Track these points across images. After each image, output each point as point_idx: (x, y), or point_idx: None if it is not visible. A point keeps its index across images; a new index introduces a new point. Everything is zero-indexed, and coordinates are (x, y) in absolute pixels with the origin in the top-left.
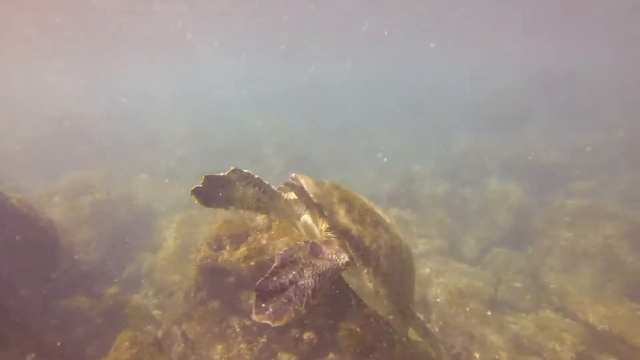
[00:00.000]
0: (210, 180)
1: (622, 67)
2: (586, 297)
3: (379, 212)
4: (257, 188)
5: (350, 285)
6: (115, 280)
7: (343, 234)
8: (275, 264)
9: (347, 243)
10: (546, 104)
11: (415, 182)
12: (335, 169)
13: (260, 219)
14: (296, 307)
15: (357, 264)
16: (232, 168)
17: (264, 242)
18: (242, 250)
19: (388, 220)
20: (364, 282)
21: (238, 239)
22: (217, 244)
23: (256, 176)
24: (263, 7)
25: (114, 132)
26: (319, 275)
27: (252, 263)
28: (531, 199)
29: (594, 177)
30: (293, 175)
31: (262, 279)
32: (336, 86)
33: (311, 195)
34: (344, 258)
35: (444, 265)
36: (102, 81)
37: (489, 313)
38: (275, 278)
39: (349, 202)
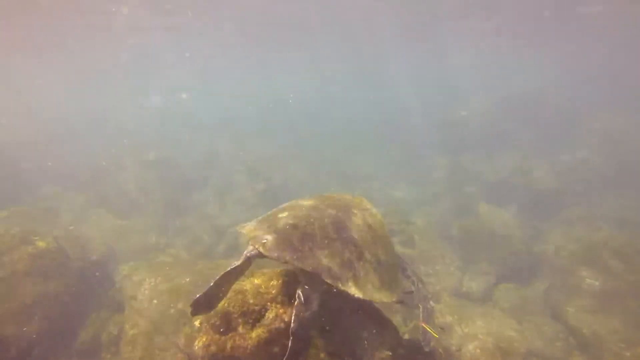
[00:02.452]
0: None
1: (590, 88)
2: (622, 344)
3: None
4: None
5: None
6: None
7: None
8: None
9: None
10: (521, 125)
11: (406, 213)
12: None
13: (275, 285)
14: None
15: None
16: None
17: (286, 318)
18: (260, 331)
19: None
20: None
21: (252, 315)
22: (226, 324)
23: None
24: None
25: (60, 156)
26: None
27: (276, 349)
28: (527, 226)
29: (581, 199)
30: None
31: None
32: (308, 107)
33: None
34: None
35: (462, 310)
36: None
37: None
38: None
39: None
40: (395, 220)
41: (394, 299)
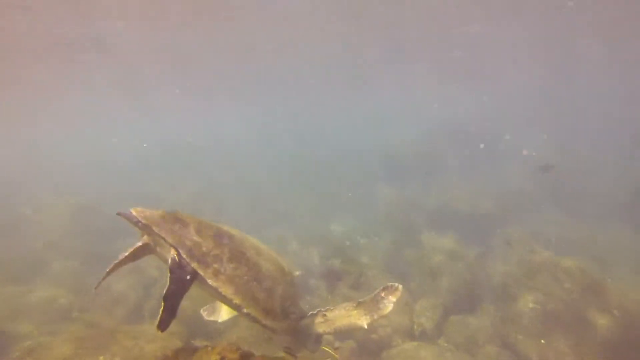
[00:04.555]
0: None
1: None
2: None
3: (226, 228)
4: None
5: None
6: None
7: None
8: (170, 275)
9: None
10: (454, 153)
11: (349, 250)
12: (253, 236)
13: None
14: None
15: (200, 271)
16: None
17: None
18: None
19: (239, 235)
20: (210, 289)
21: None
22: None
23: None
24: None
25: None
26: (186, 286)
27: None
28: (469, 251)
29: (514, 221)
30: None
31: (167, 290)
32: (242, 147)
33: (162, 235)
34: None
35: (417, 354)
36: None
37: None
38: (176, 287)
39: (183, 221)
40: (338, 261)
41: (257, 314)
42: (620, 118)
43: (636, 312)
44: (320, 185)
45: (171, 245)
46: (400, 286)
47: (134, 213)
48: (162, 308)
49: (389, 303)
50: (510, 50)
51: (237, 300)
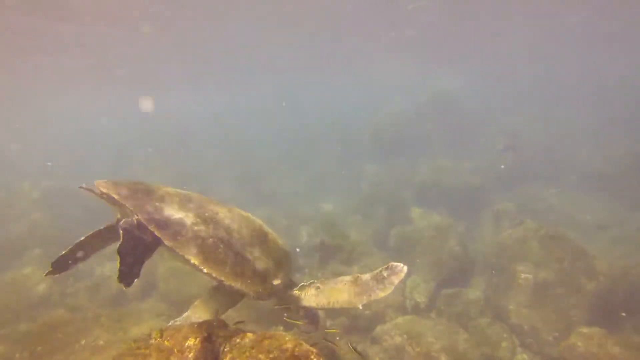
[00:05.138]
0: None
1: (499, 91)
2: (556, 332)
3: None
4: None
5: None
6: None
7: (154, 223)
8: (122, 232)
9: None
10: (438, 128)
11: (339, 227)
12: None
13: (192, 346)
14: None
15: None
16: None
17: None
18: None
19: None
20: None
21: None
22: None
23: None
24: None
25: None
26: (148, 247)
27: None
28: (459, 225)
29: (499, 195)
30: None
31: (121, 245)
32: (230, 126)
33: (122, 202)
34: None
35: (411, 327)
36: None
37: None
38: (130, 244)
39: (147, 191)
40: (329, 237)
41: (223, 276)
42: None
43: (619, 277)
44: (308, 164)
45: (132, 211)
46: (405, 267)
47: (96, 184)
48: (118, 260)
49: (390, 285)
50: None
51: (195, 261)
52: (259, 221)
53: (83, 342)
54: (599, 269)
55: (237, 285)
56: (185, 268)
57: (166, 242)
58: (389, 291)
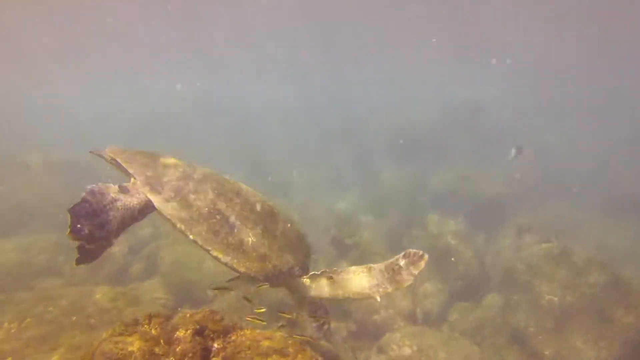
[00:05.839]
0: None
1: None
2: None
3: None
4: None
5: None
6: None
7: (148, 185)
8: (84, 194)
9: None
10: (463, 134)
11: (352, 225)
12: None
13: (182, 338)
14: (109, 230)
15: (149, 196)
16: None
17: None
18: None
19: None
20: (160, 216)
21: None
22: None
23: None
24: None
25: None
26: (130, 209)
27: None
28: (477, 237)
29: (523, 209)
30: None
31: (75, 204)
32: (247, 116)
33: (125, 166)
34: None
35: (421, 339)
36: None
37: None
38: (87, 205)
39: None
40: (344, 234)
41: (210, 246)
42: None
43: None
44: (324, 161)
45: (131, 175)
46: (426, 255)
47: (106, 150)
48: (68, 219)
49: (410, 276)
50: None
51: (182, 226)
52: (270, 203)
53: (74, 318)
54: (637, 300)
55: (226, 258)
56: (187, 253)
57: (156, 205)
58: (408, 283)
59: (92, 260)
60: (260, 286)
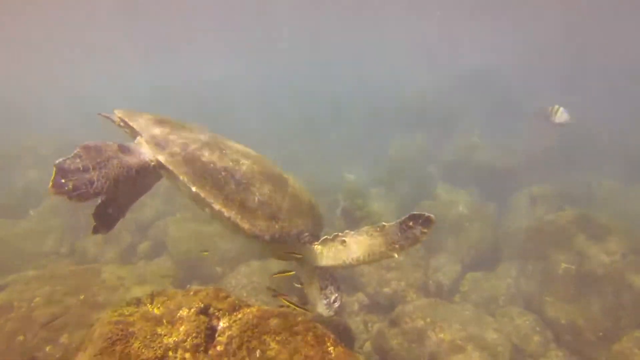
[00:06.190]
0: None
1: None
2: (600, 332)
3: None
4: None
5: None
6: None
7: (153, 141)
8: (77, 149)
9: (158, 149)
10: (474, 103)
11: (362, 197)
12: None
13: (186, 317)
14: (96, 190)
15: (155, 151)
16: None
17: None
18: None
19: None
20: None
21: None
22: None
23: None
24: None
25: None
26: (126, 167)
27: None
28: (489, 206)
29: (537, 178)
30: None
31: (65, 157)
32: (250, 90)
33: (133, 125)
34: (154, 158)
35: (434, 311)
36: None
37: None
38: (78, 160)
39: (160, 120)
40: (354, 205)
41: (213, 200)
42: None
43: None
44: (332, 132)
45: (137, 133)
46: (433, 216)
47: (114, 111)
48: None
49: (421, 234)
50: None
51: (185, 177)
52: (279, 169)
53: (82, 297)
54: None
55: (230, 213)
56: (195, 231)
57: (160, 158)
58: (422, 240)
59: (107, 229)
60: (280, 274)
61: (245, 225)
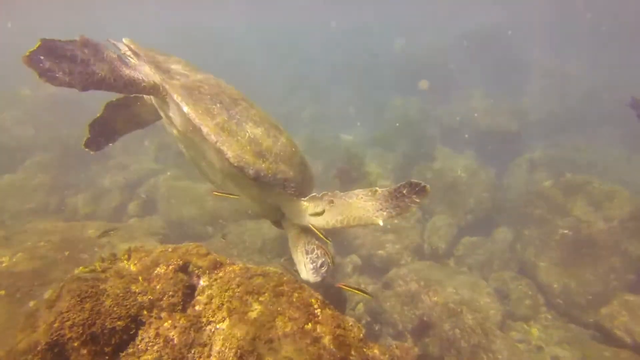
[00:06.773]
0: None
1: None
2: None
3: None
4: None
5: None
6: None
7: (155, 65)
8: (77, 37)
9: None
10: (475, 65)
11: (357, 157)
12: None
13: (163, 275)
14: (72, 82)
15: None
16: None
17: (176, 338)
18: None
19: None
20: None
21: (113, 337)
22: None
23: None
24: None
25: None
26: (116, 75)
27: None
28: (488, 171)
29: (537, 142)
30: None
31: (58, 39)
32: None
33: (139, 52)
34: (152, 79)
35: (428, 274)
36: None
37: (498, 332)
38: (70, 46)
39: (166, 54)
40: (351, 165)
41: (203, 121)
42: None
43: None
44: (329, 92)
45: (142, 59)
46: (428, 186)
47: (123, 40)
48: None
49: (412, 204)
50: None
51: (179, 98)
52: (277, 121)
53: (67, 253)
54: None
55: (217, 137)
56: (186, 189)
57: (158, 79)
58: (411, 210)
59: (97, 149)
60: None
61: (230, 153)
